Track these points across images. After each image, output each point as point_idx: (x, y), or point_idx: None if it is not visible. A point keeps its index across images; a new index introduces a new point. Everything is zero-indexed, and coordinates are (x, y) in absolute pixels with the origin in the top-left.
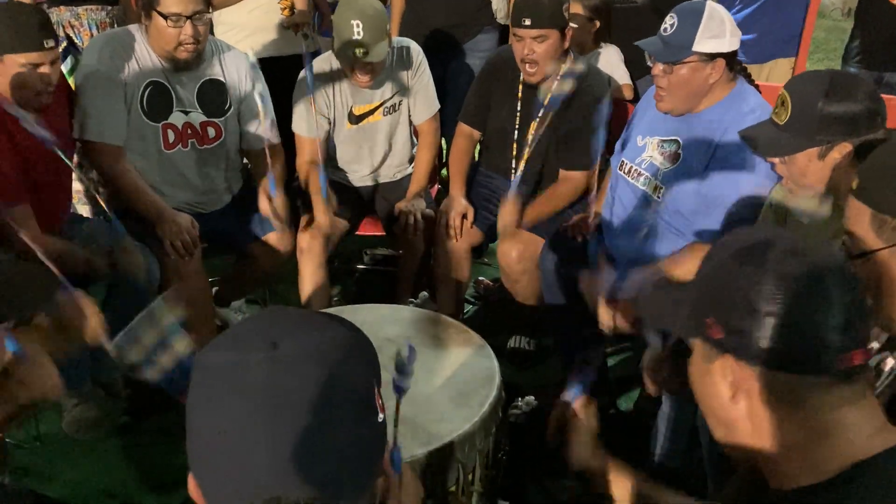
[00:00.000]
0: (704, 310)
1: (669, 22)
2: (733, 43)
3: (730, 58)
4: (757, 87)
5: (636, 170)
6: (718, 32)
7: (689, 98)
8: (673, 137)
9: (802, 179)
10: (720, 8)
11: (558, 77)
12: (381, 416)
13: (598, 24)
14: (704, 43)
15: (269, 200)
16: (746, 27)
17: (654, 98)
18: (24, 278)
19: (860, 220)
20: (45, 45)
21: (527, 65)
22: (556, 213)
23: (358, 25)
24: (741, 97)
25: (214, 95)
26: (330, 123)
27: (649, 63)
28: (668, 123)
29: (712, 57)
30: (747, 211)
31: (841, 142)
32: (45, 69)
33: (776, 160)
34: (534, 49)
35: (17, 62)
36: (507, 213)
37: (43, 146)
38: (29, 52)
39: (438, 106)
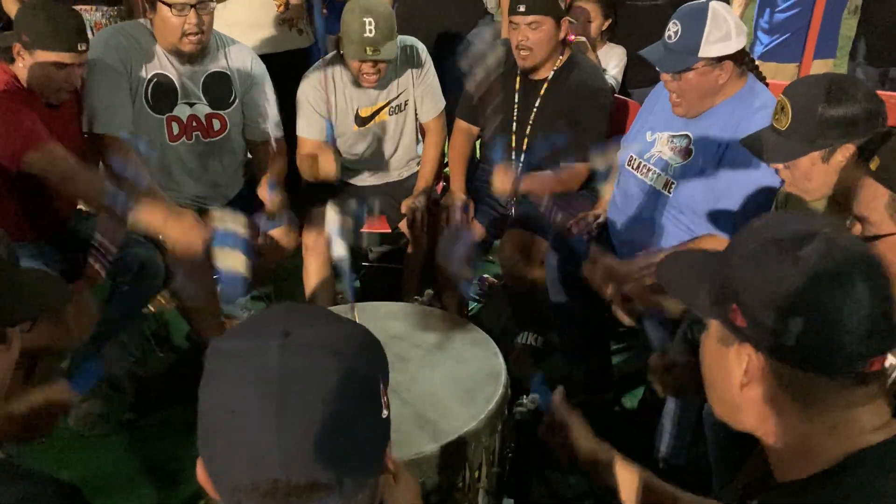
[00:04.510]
0: (730, 295)
1: (673, 29)
2: (740, 42)
3: (737, 56)
4: (766, 82)
5: (645, 165)
6: (724, 35)
7: (702, 100)
8: (684, 133)
9: (807, 183)
10: (722, 7)
11: (554, 68)
12: (385, 412)
13: (610, 21)
14: (710, 47)
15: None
16: (785, 27)
17: (670, 102)
18: (39, 281)
19: (875, 202)
20: (79, 49)
21: (521, 51)
22: (561, 210)
23: (371, 23)
24: (752, 93)
25: (220, 88)
26: (332, 127)
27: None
28: (679, 118)
29: (719, 60)
30: (759, 205)
31: (843, 144)
32: (71, 70)
33: (779, 165)
34: (528, 36)
35: (47, 59)
36: (499, 181)
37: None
38: (62, 51)
39: (444, 103)
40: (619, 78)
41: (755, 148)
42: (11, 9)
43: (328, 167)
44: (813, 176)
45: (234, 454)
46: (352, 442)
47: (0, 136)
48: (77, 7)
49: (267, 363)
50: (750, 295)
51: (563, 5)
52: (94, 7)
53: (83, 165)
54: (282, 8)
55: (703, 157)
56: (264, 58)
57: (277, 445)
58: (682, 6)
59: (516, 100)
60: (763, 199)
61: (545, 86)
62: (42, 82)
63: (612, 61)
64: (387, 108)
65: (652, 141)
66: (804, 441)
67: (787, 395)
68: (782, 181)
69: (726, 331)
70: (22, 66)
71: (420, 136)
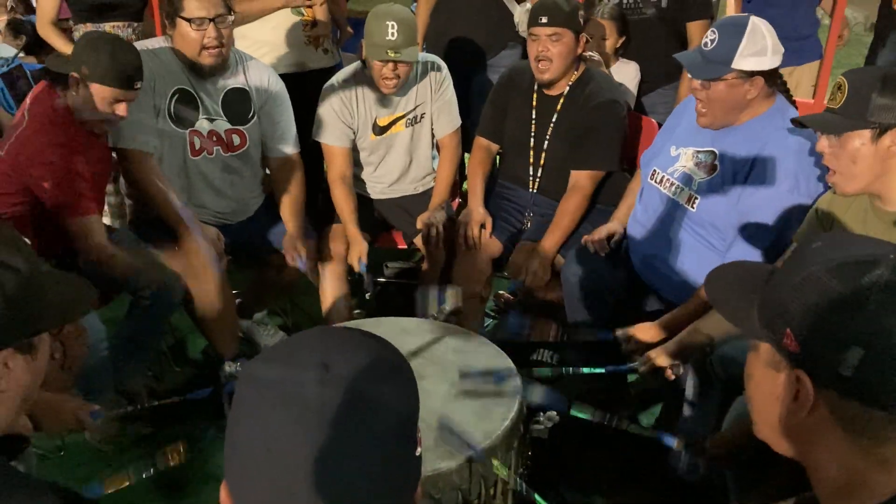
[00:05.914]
0: (785, 319)
1: (710, 37)
2: (774, 60)
3: (768, 74)
4: (794, 104)
5: (668, 180)
6: (760, 49)
7: (728, 113)
8: (709, 149)
9: (852, 167)
10: (763, 24)
11: (570, 83)
12: (418, 450)
13: (624, 38)
14: (745, 60)
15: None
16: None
17: (696, 112)
18: (64, 288)
19: None
20: (135, 87)
21: (540, 63)
22: (576, 228)
23: (393, 27)
24: (781, 113)
25: (238, 104)
26: (354, 134)
27: (690, 76)
28: (705, 134)
29: (751, 74)
30: (787, 223)
31: (894, 128)
32: (122, 107)
33: (826, 150)
34: (548, 47)
35: (102, 93)
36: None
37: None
38: (118, 88)
39: (460, 121)
40: (634, 92)
41: (806, 121)
42: (50, 35)
43: (357, 245)
44: (859, 158)
45: (266, 490)
46: (384, 479)
47: (53, 195)
48: (110, 24)
49: (305, 398)
50: (806, 321)
51: (581, 20)
52: (126, 23)
53: (111, 246)
54: (309, 27)
55: (729, 173)
56: (290, 77)
57: (310, 485)
58: (723, 18)
59: (533, 116)
60: (791, 218)
61: (561, 101)
62: (92, 114)
63: (625, 78)
64: (404, 120)
65: (676, 156)
66: (854, 474)
67: (838, 426)
68: (821, 191)
69: (777, 355)
70: (75, 94)
71: (436, 152)
